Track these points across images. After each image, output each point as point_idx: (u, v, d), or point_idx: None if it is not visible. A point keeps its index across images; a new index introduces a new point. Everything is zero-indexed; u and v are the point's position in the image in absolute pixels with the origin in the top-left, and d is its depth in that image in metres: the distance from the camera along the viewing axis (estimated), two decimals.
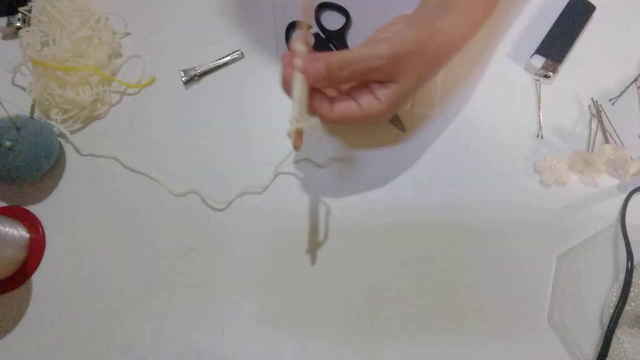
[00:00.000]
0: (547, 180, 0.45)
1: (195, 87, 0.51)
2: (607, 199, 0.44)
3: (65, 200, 0.48)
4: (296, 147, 0.35)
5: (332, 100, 0.37)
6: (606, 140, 0.46)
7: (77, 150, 0.49)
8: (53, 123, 0.48)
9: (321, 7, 0.52)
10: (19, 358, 0.43)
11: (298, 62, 0.35)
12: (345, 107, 0.37)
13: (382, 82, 0.36)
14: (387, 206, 0.45)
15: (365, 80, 0.37)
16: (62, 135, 0.49)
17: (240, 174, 0.47)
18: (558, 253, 0.43)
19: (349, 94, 0.37)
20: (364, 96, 0.37)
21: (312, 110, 0.36)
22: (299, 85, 0.35)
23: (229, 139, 0.48)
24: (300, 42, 0.36)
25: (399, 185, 0.46)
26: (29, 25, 0.53)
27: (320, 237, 0.44)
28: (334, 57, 0.35)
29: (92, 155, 0.49)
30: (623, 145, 0.45)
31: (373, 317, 0.42)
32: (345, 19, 0.51)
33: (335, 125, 0.38)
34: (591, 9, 0.50)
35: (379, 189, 0.46)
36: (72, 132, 0.49)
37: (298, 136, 0.35)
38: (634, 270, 0.40)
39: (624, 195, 0.44)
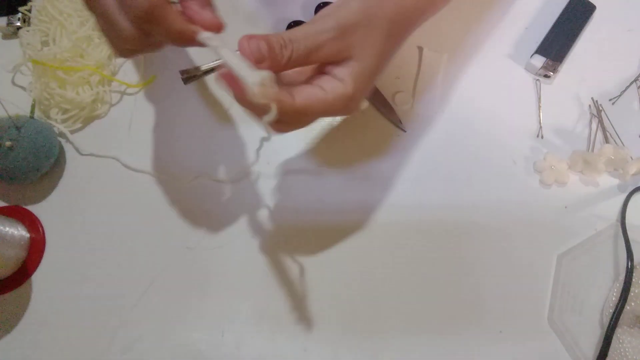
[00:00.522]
0: (547, 180, 0.45)
1: (195, 86, 0.51)
2: (607, 199, 0.44)
3: (65, 200, 0.48)
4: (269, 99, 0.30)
5: (291, 88, 0.33)
6: (606, 140, 0.46)
7: (77, 150, 0.49)
8: (53, 123, 0.48)
9: (321, 7, 0.52)
10: (19, 358, 0.43)
11: (214, 41, 0.31)
12: (308, 92, 0.32)
13: (338, 63, 0.33)
14: (387, 206, 0.45)
15: (319, 63, 0.34)
16: (62, 135, 0.49)
17: (241, 174, 0.47)
18: (558, 253, 0.43)
19: (308, 83, 0.34)
20: (325, 80, 0.33)
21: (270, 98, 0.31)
22: (228, 53, 0.30)
23: (230, 139, 0.48)
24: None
25: (399, 186, 0.46)
26: (29, 25, 0.53)
27: (321, 237, 0.44)
28: (274, 35, 0.31)
29: (92, 155, 0.49)
30: (623, 145, 0.45)
31: (373, 317, 0.42)
32: None
33: (303, 119, 0.33)
34: (591, 8, 0.50)
35: (379, 189, 0.46)
36: (72, 132, 0.49)
37: (265, 90, 0.29)
38: (634, 270, 0.40)
39: (624, 195, 0.44)
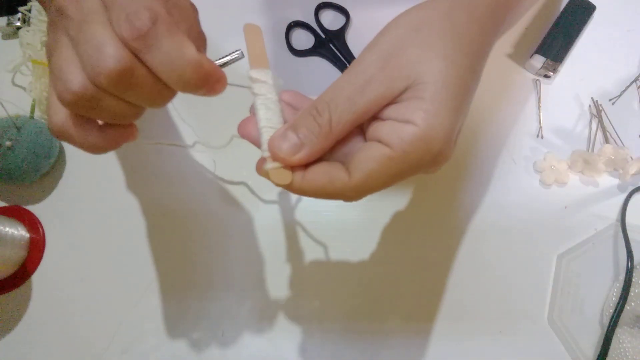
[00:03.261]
0: (547, 180, 0.45)
1: None
2: (607, 199, 0.44)
3: (65, 200, 0.48)
4: (290, 187, 0.25)
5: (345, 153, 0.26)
6: (606, 140, 0.46)
7: (77, 150, 0.49)
8: None
9: (321, 7, 0.52)
10: (19, 358, 0.43)
11: (261, 88, 0.27)
12: (365, 159, 0.23)
13: (397, 101, 0.24)
14: (387, 206, 0.45)
15: (377, 111, 0.25)
16: None
17: (240, 174, 0.47)
18: (558, 253, 0.43)
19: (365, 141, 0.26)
20: (388, 130, 0.23)
21: (320, 192, 0.25)
22: (263, 108, 0.26)
23: (230, 139, 0.48)
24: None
25: (399, 185, 0.46)
26: (29, 25, 0.53)
27: (321, 237, 0.44)
28: (300, 114, 0.25)
29: (92, 155, 0.49)
30: (623, 145, 0.45)
31: (373, 317, 0.42)
32: (345, 18, 0.51)
33: (373, 192, 0.25)
34: (591, 9, 0.50)
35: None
36: None
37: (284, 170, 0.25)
38: (634, 270, 0.40)
39: (624, 195, 0.44)
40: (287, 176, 0.25)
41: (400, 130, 0.23)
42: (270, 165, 0.25)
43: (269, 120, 0.26)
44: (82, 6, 0.22)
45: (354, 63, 0.25)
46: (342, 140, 0.26)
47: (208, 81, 0.24)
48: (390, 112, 0.24)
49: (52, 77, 0.23)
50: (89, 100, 0.23)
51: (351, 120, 0.24)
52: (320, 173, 0.24)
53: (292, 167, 0.25)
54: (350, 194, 0.24)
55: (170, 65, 0.22)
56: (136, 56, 0.22)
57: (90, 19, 0.22)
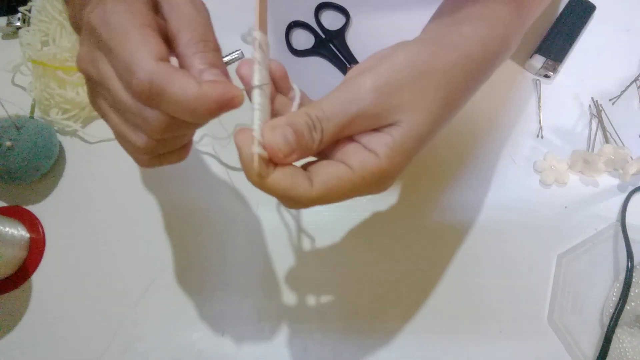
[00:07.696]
0: (547, 180, 0.45)
1: None
2: (607, 199, 0.44)
3: (65, 200, 0.48)
4: (260, 179, 0.25)
5: (306, 170, 0.27)
6: (606, 140, 0.46)
7: (77, 150, 0.49)
8: (53, 123, 0.48)
9: (321, 7, 0.52)
10: (19, 358, 0.43)
11: (257, 55, 0.27)
12: (329, 175, 0.26)
13: (375, 130, 0.27)
14: (387, 206, 0.45)
15: (351, 134, 0.27)
16: (62, 132, 0.49)
17: (241, 174, 0.47)
18: (558, 253, 0.43)
19: (330, 157, 0.28)
20: (352, 153, 0.26)
21: (280, 192, 0.25)
22: (257, 93, 0.26)
23: (230, 138, 0.48)
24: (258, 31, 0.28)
25: (399, 185, 0.46)
26: (29, 25, 0.53)
27: (321, 237, 0.44)
28: (300, 116, 0.25)
29: (92, 155, 0.49)
30: (623, 145, 0.45)
31: (373, 316, 0.42)
32: (345, 18, 0.51)
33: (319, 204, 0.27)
34: (591, 9, 0.50)
35: None
36: (72, 132, 0.49)
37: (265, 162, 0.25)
38: (634, 270, 0.40)
39: (624, 195, 0.44)
40: (263, 167, 0.25)
41: (364, 159, 0.26)
42: (259, 149, 0.25)
43: (261, 81, 0.26)
44: (110, 28, 0.25)
45: (351, 82, 0.26)
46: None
47: (221, 104, 0.25)
48: (362, 137, 0.27)
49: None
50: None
51: (334, 139, 0.27)
52: (286, 175, 0.25)
53: (268, 162, 0.25)
54: (306, 202, 0.26)
55: (179, 109, 0.24)
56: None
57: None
